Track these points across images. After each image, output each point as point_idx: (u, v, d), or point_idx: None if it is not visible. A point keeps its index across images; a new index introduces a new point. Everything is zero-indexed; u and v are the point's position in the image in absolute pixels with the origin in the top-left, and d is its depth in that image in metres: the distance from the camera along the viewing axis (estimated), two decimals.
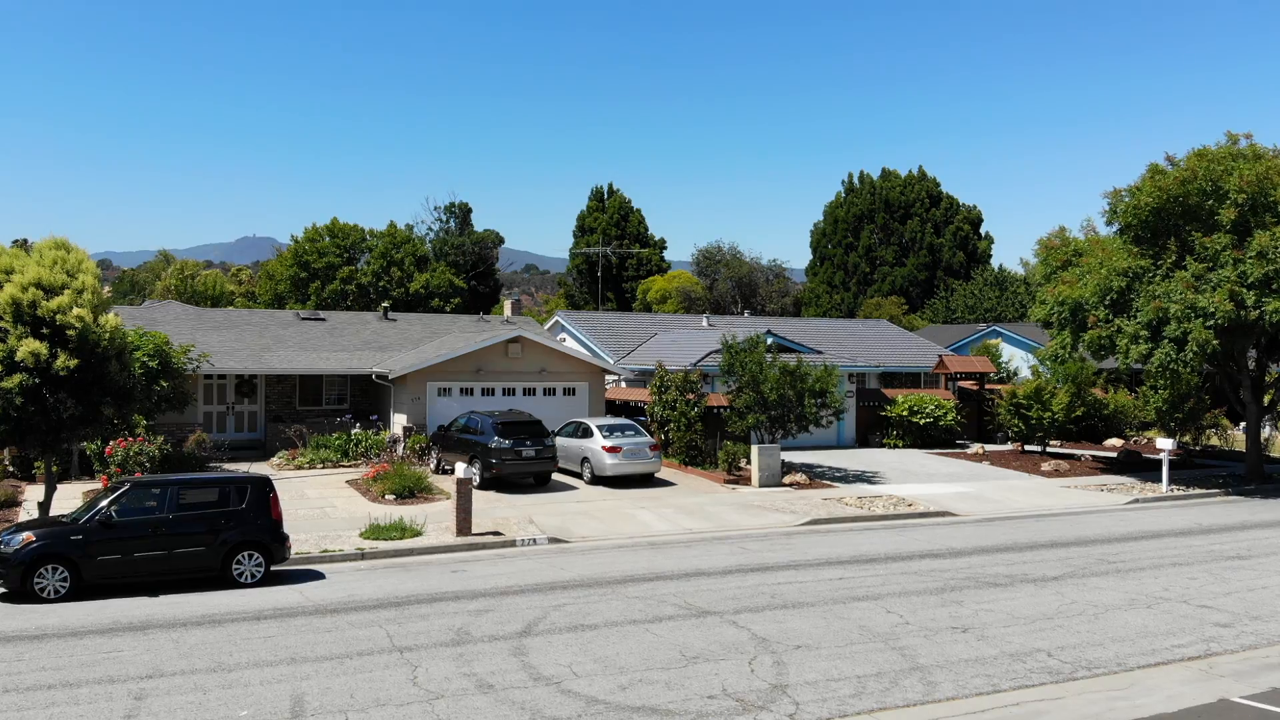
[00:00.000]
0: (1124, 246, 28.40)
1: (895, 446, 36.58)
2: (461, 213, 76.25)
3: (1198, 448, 36.18)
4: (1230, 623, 13.77)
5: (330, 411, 34.57)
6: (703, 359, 33.42)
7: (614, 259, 75.54)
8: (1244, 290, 25.25)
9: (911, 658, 12.05)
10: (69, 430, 17.95)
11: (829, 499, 25.29)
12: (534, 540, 19.96)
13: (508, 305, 45.04)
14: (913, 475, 29.80)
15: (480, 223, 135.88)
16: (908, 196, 76.17)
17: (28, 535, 15.23)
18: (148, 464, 25.49)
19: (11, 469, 26.05)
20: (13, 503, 22.24)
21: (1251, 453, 30.16)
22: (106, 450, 25.45)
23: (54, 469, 19.55)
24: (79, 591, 15.18)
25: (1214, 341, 25.42)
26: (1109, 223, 29.42)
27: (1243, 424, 32.11)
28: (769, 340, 31.59)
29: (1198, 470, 31.82)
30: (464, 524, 19.97)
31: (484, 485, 25.63)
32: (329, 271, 62.85)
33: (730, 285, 77.31)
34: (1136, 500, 26.46)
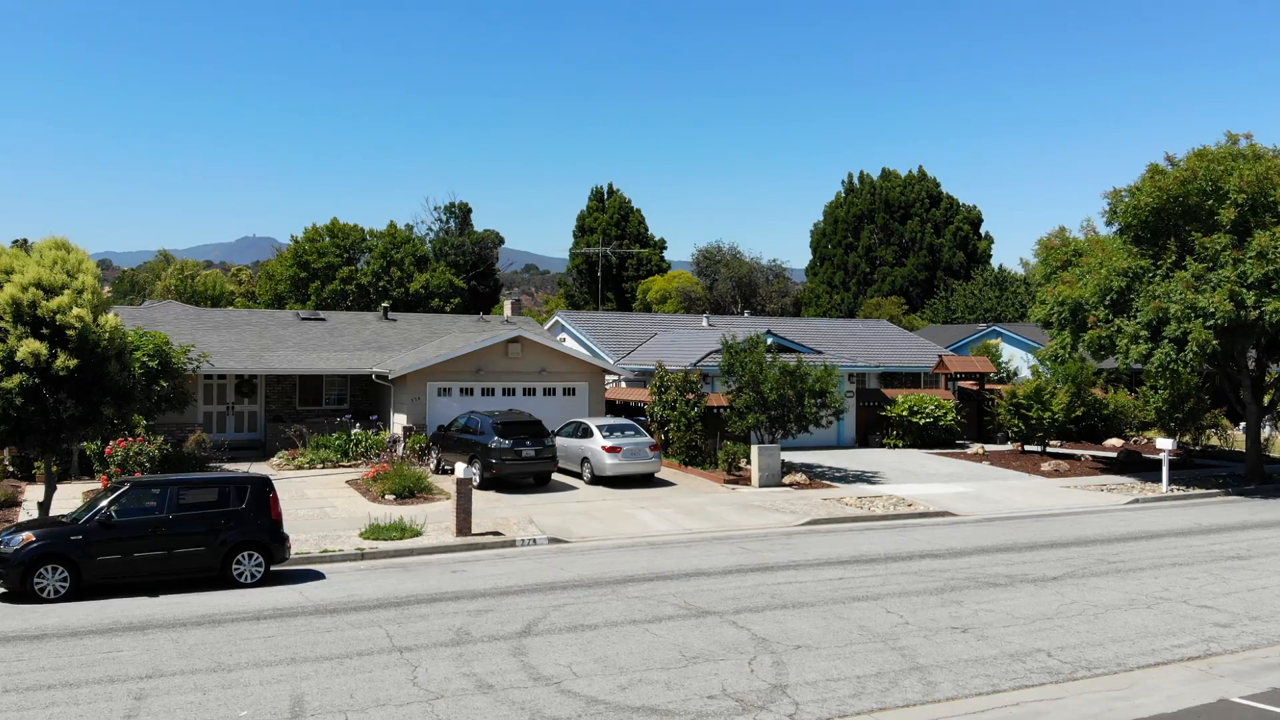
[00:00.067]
0: (1124, 246, 28.40)
1: (895, 446, 36.57)
2: (461, 213, 76.22)
3: (1198, 448, 36.18)
4: (1230, 623, 13.77)
5: (330, 411, 34.57)
6: (703, 359, 33.42)
7: (614, 259, 75.54)
8: (1244, 290, 25.24)
9: (911, 658, 12.05)
10: (69, 430, 17.95)
11: (829, 499, 25.28)
12: (534, 540, 19.96)
13: (508, 305, 45.03)
14: (913, 475, 29.80)
15: (480, 223, 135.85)
16: (908, 196, 76.16)
17: (28, 535, 15.23)
18: (148, 464, 25.49)
19: (11, 469, 26.05)
20: (13, 503, 22.24)
21: (1251, 453, 30.16)
22: (106, 450, 25.45)
23: (54, 469, 19.55)
24: (79, 591, 15.18)
25: (1214, 341, 25.42)
26: (1109, 223, 29.42)
27: (1243, 424, 32.11)
28: (769, 340, 31.59)
29: (1198, 470, 31.82)
30: (464, 524, 19.97)
31: (484, 485, 25.62)
32: (329, 271, 62.85)
33: (730, 285, 77.30)
34: (1136, 500, 26.46)
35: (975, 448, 35.53)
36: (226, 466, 28.22)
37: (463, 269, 71.02)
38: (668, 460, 30.00)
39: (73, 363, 17.07)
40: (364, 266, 64.38)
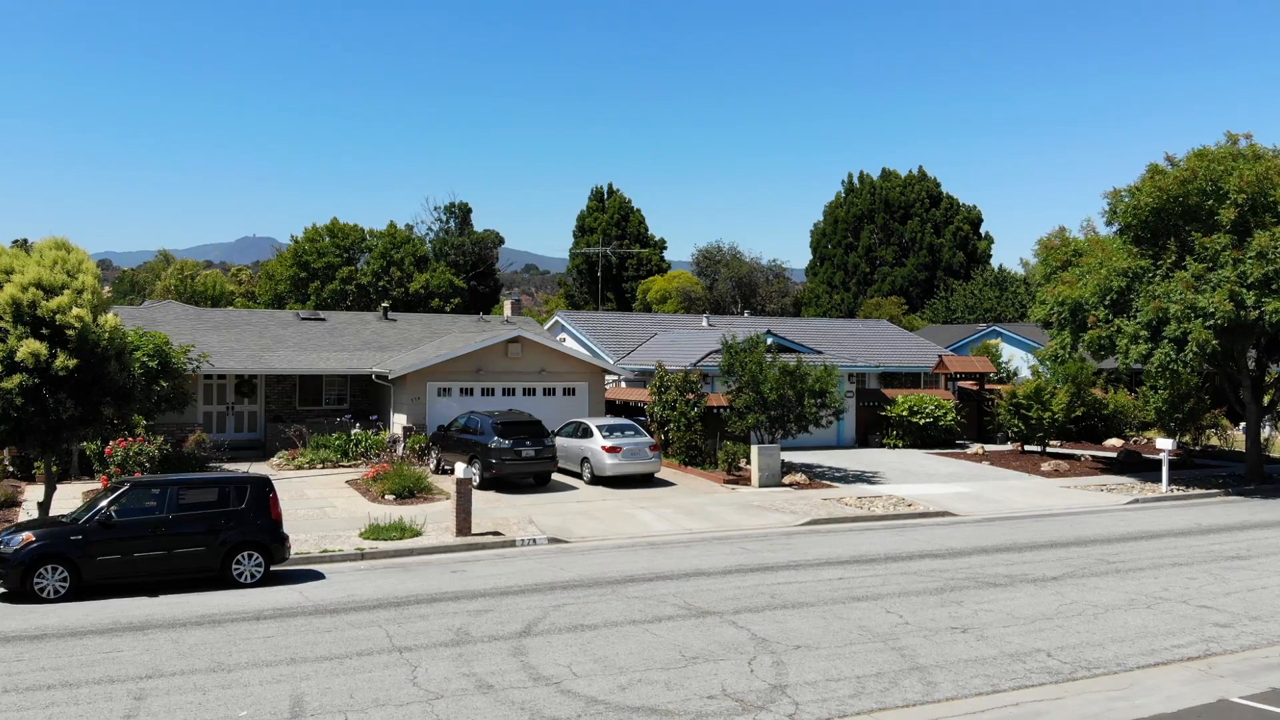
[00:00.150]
0: (1124, 247, 28.40)
1: (895, 446, 36.57)
2: (461, 213, 76.20)
3: (1198, 448, 36.18)
4: (1230, 623, 13.77)
5: (330, 411, 34.57)
6: (703, 359, 33.42)
7: (614, 259, 75.52)
8: (1244, 290, 25.24)
9: (911, 658, 12.05)
10: (69, 430, 17.94)
11: (829, 499, 25.28)
12: (534, 540, 19.96)
13: (508, 305, 45.02)
14: (912, 475, 29.80)
15: (480, 223, 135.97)
16: (908, 196, 76.15)
17: (28, 535, 15.23)
18: (147, 464, 25.48)
19: (11, 469, 26.05)
20: (13, 503, 22.24)
21: (1251, 453, 30.15)
22: (106, 450, 25.45)
23: (54, 469, 19.55)
24: (79, 591, 15.18)
25: (1214, 341, 25.42)
26: (1109, 223, 29.43)
27: (1243, 424, 32.11)
28: (769, 340, 31.59)
29: (1198, 470, 31.82)
30: (464, 524, 19.97)
31: (484, 485, 25.62)
32: (329, 271, 62.85)
33: (730, 285, 77.29)
34: (1136, 500, 26.46)
35: (975, 448, 35.53)
36: (226, 466, 28.22)
37: (463, 269, 71.01)
38: (668, 460, 30.00)
39: (72, 363, 17.07)
40: (364, 266, 64.37)
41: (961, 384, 39.80)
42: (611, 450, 26.64)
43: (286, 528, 17.30)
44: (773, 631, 13.17)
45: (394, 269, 63.37)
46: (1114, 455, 34.53)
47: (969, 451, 35.06)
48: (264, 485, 16.87)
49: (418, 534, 19.95)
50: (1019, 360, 48.43)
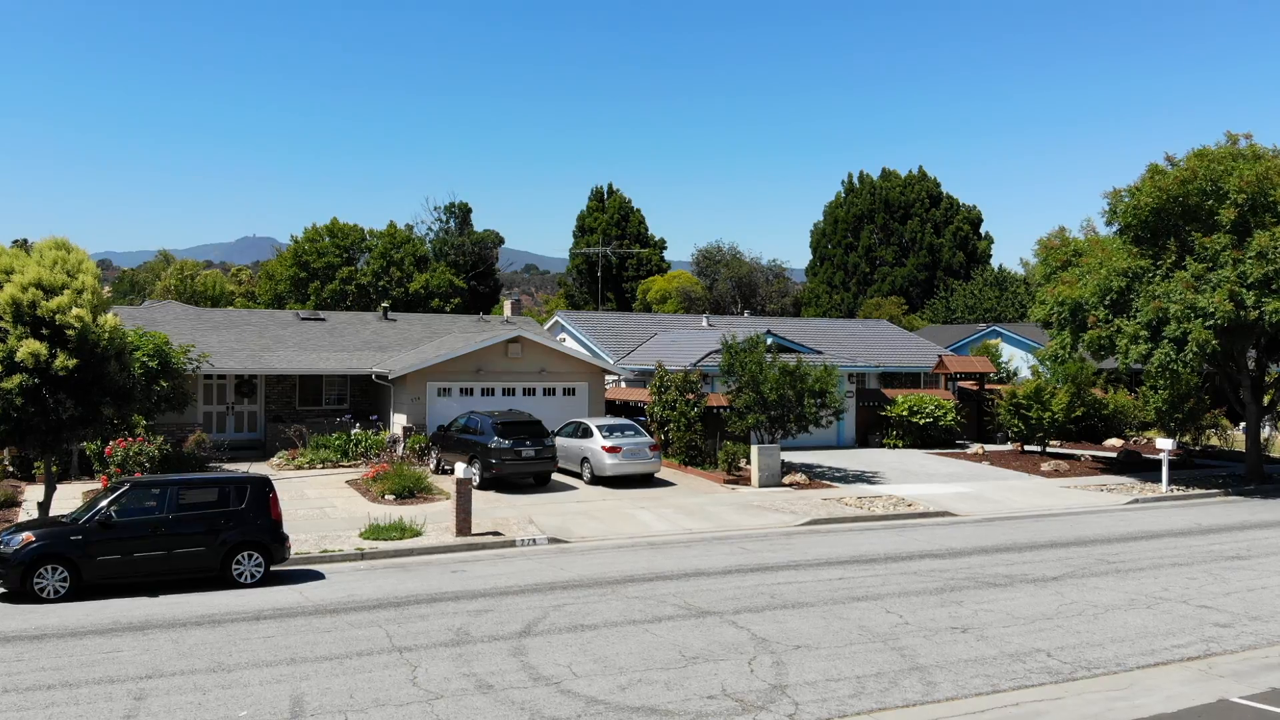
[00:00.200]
0: (1124, 247, 28.40)
1: (895, 446, 36.57)
2: (461, 213, 76.21)
3: (1198, 448, 36.18)
4: (1230, 623, 13.77)
5: (330, 411, 34.57)
6: (703, 359, 33.42)
7: (614, 259, 75.52)
8: (1244, 290, 25.24)
9: (911, 658, 12.05)
10: (69, 430, 17.94)
11: (829, 499, 25.28)
12: (534, 540, 19.96)
13: (508, 305, 45.02)
14: (912, 475, 29.80)
15: (480, 223, 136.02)
16: (908, 196, 76.16)
17: (27, 535, 15.23)
18: (147, 464, 25.48)
19: (11, 469, 26.05)
20: (13, 503, 22.25)
21: (1251, 453, 30.15)
22: (106, 450, 25.45)
23: (54, 469, 19.55)
24: (79, 591, 15.18)
25: (1214, 341, 25.42)
26: (1109, 223, 29.42)
27: (1243, 424, 32.11)
28: (769, 340, 31.59)
29: (1198, 470, 31.82)
30: (464, 524, 19.97)
31: (484, 485, 25.62)
32: (329, 271, 62.85)
33: (730, 285, 77.30)
34: (1136, 500, 26.46)
35: (975, 448, 35.53)
36: (226, 466, 28.22)
37: (463, 269, 71.01)
38: (668, 460, 30.00)
39: (72, 363, 17.07)
40: (364, 266, 64.37)
41: (961, 384, 39.80)
42: (611, 450, 26.64)
43: (286, 528, 17.30)
44: (773, 631, 13.18)
45: (394, 269, 63.37)
46: (1114, 455, 34.52)
47: (969, 451, 35.06)
48: (264, 485, 16.87)
49: (418, 534, 19.95)
50: (1019, 360, 48.43)
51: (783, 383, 27.60)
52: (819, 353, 35.13)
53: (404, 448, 29.58)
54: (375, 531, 19.69)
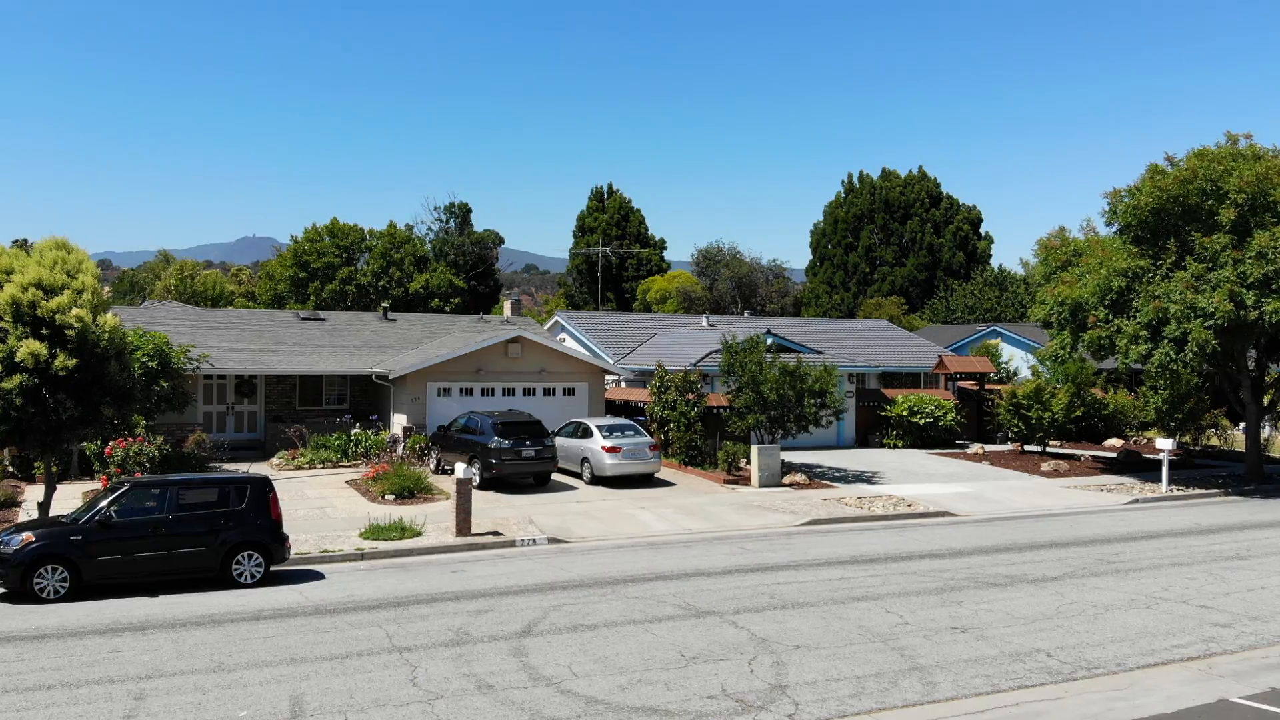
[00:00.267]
0: (1124, 247, 28.40)
1: (895, 446, 36.57)
2: (461, 213, 76.19)
3: (1197, 448, 36.18)
4: (1230, 623, 13.77)
5: (330, 411, 34.57)
6: (703, 359, 33.42)
7: (614, 259, 75.52)
8: (1244, 290, 25.25)
9: (911, 658, 12.05)
10: (69, 430, 17.94)
11: (829, 499, 25.28)
12: (534, 540, 19.96)
13: (507, 305, 45.02)
14: (912, 475, 29.80)
15: (480, 223, 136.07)
16: (907, 196, 76.15)
17: (27, 535, 15.23)
18: (147, 464, 25.48)
19: (11, 469, 26.05)
20: (13, 503, 22.25)
21: (1251, 453, 30.16)
22: (106, 450, 25.45)
23: (54, 469, 19.55)
24: (79, 592, 15.18)
25: (1214, 341, 25.42)
26: (1109, 223, 29.43)
27: (1243, 424, 32.11)
28: (769, 340, 31.59)
29: (1197, 470, 31.82)
30: (464, 524, 19.97)
31: (484, 485, 25.63)
32: (329, 271, 62.85)
33: (730, 285, 77.29)
34: (1136, 500, 26.46)
35: (975, 448, 35.53)
36: (226, 466, 28.22)
37: (463, 269, 71.00)
38: (668, 460, 30.00)
39: (72, 363, 17.07)
40: (364, 267, 64.37)
41: (961, 384, 39.80)
42: (611, 450, 26.64)
43: (286, 528, 17.30)
44: (773, 631, 13.18)
45: (394, 269, 63.37)
46: (1114, 455, 34.52)
47: (969, 451, 35.06)
48: (264, 485, 16.87)
49: (418, 534, 19.95)
50: (1019, 360, 48.43)
51: (783, 383, 27.60)
52: (819, 353, 35.13)
53: (404, 448, 29.59)
54: (375, 531, 19.69)
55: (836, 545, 19.92)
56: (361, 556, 18.40)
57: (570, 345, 38.67)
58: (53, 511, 18.58)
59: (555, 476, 27.50)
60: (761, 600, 14.99)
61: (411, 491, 24.18)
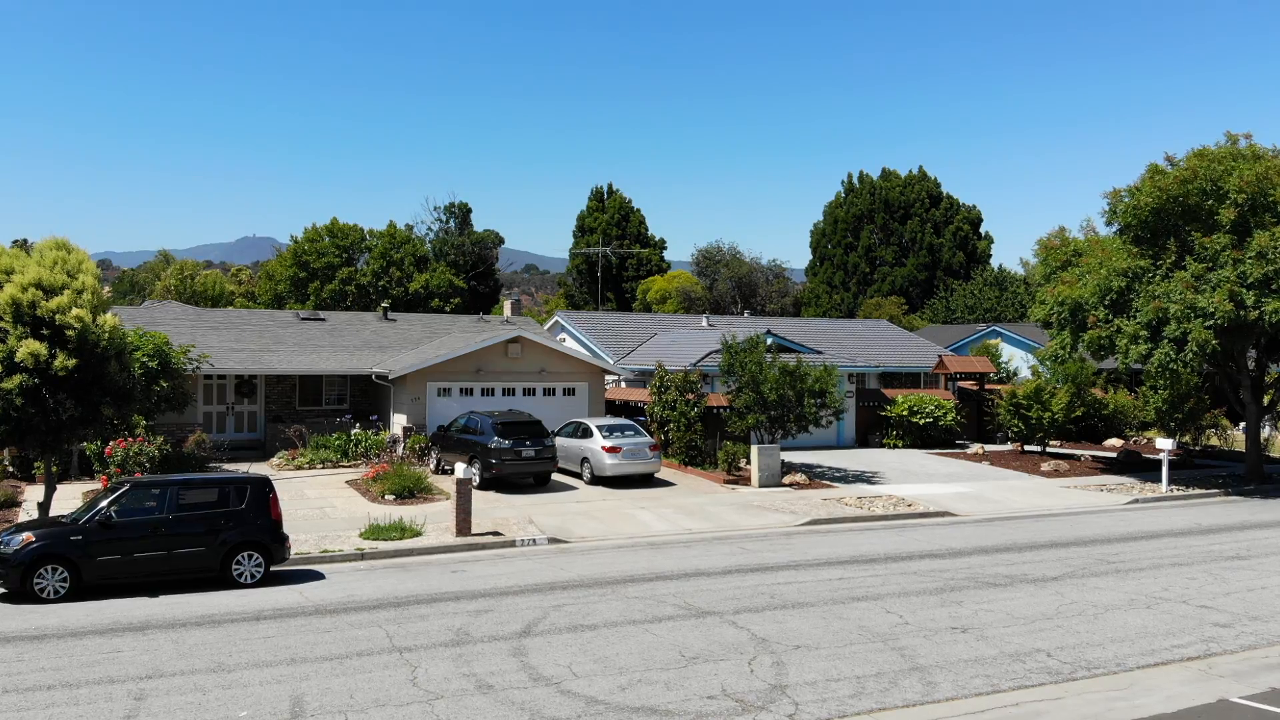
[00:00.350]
0: (1124, 247, 28.40)
1: (895, 446, 36.57)
2: (461, 213, 76.19)
3: (1197, 448, 36.18)
4: (1230, 623, 13.77)
5: (330, 412, 34.57)
6: (703, 359, 33.42)
7: (614, 259, 75.52)
8: (1244, 290, 25.25)
9: (911, 658, 12.05)
10: (69, 431, 17.94)
11: (829, 499, 25.28)
12: (534, 540, 19.96)
13: (507, 305, 45.02)
14: (912, 475, 29.80)
15: (480, 223, 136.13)
16: (907, 196, 76.16)
17: (27, 535, 15.23)
18: (147, 464, 25.49)
19: (11, 469, 26.05)
20: (13, 503, 22.25)
21: (1251, 453, 30.16)
22: (106, 450, 25.45)
23: (54, 469, 19.55)
24: (79, 592, 15.18)
25: (1214, 341, 25.42)
26: (1109, 223, 29.43)
27: (1243, 424, 32.12)
28: (769, 340, 31.60)
29: (1197, 470, 31.82)
30: (464, 524, 19.97)
31: (484, 485, 25.63)
32: (329, 272, 62.85)
33: (730, 285, 77.27)
34: (1136, 500, 26.47)
35: (975, 448, 35.53)
36: (226, 467, 28.22)
37: (463, 269, 71.00)
38: (668, 460, 30.00)
39: (72, 363, 17.07)
40: (364, 266, 64.37)
41: (961, 384, 39.80)
42: (611, 450, 26.65)
43: (286, 528, 17.30)
44: (773, 631, 13.18)
45: (394, 269, 63.36)
46: (1114, 455, 34.52)
47: (969, 451, 35.06)
48: (264, 485, 16.87)
49: (418, 534, 19.95)
50: (1019, 360, 48.43)
51: (783, 383, 27.60)
52: (819, 353, 35.13)
53: (404, 448, 29.59)
54: (375, 531, 19.69)
55: (836, 545, 19.92)
56: (361, 556, 18.40)
57: (570, 345, 38.67)
58: (53, 511, 18.59)
59: (555, 476, 27.50)
60: (761, 600, 14.99)
61: (411, 491, 24.18)
